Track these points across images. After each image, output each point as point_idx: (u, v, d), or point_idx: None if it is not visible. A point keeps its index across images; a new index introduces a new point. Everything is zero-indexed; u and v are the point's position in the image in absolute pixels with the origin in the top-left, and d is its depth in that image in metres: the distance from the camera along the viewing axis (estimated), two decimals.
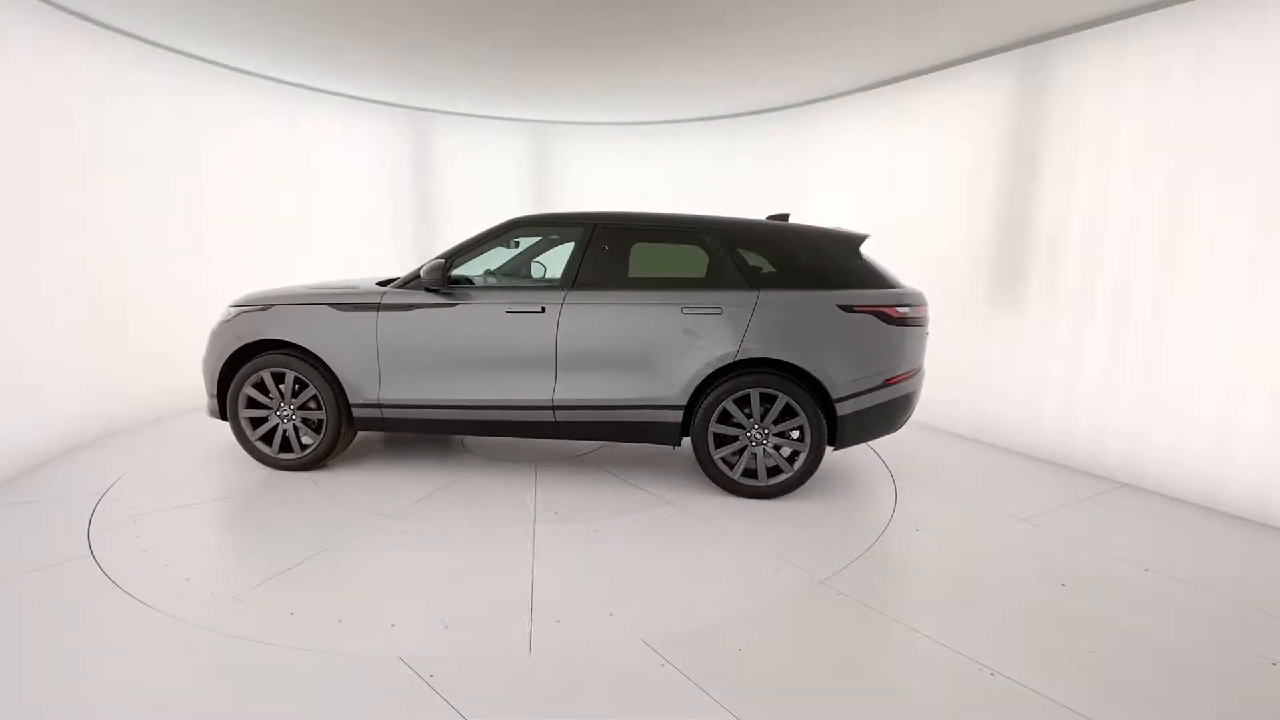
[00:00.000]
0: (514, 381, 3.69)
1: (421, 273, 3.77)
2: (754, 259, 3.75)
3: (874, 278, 3.71)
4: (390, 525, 3.25)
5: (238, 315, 3.90)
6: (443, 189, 7.25)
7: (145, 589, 2.62)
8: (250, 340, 3.82)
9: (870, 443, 4.78)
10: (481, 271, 4.27)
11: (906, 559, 3.04)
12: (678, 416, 3.65)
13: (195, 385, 5.18)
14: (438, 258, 3.78)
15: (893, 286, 3.72)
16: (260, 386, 3.86)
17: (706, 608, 2.58)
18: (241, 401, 3.87)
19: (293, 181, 6.13)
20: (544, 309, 3.65)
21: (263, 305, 3.88)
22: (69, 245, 4.26)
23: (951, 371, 5.16)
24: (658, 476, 4.00)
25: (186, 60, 5.12)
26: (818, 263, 3.71)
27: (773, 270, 3.73)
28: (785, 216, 4.07)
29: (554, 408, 3.68)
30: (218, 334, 3.94)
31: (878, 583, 2.80)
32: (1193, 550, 3.19)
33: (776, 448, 3.66)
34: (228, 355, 3.87)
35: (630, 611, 2.54)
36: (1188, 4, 3.67)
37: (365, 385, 3.77)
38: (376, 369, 3.76)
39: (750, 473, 3.67)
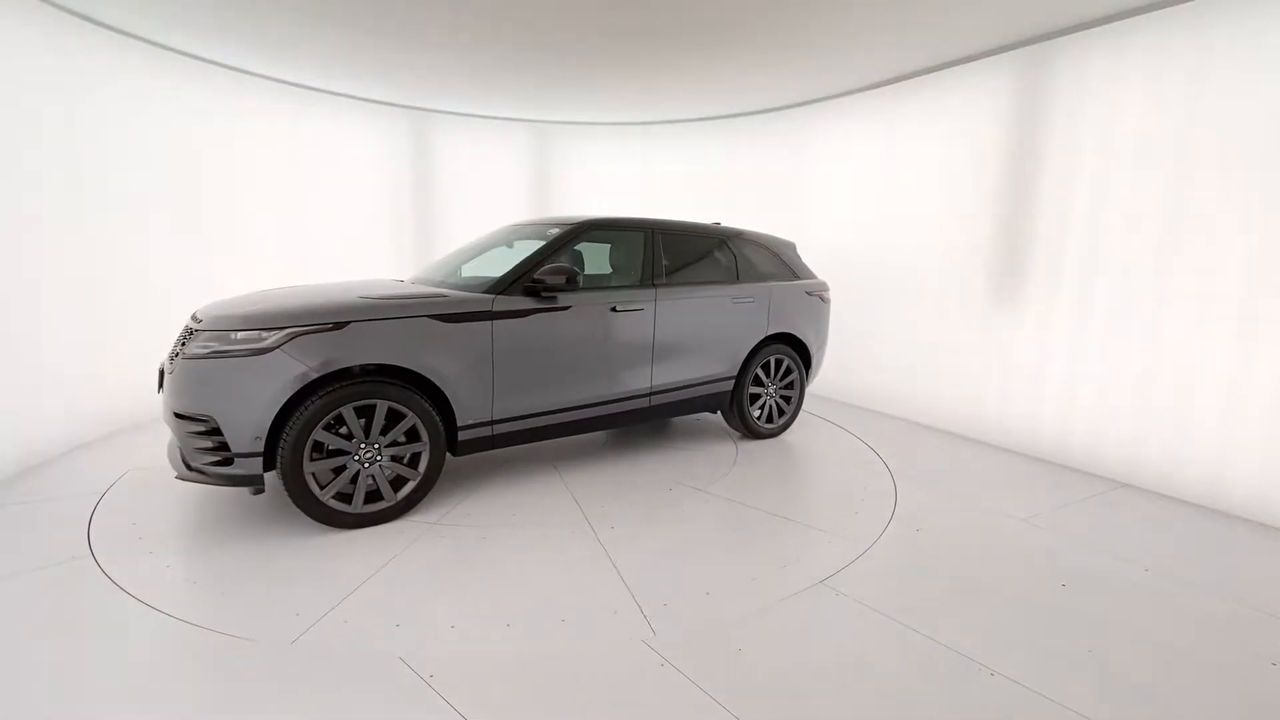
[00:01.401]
0: (619, 376, 3.98)
1: (542, 277, 3.56)
2: (755, 258, 4.80)
3: (806, 271, 5.14)
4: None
5: (286, 340, 2.92)
6: (442, 189, 7.24)
7: (145, 589, 2.61)
8: (333, 369, 3.00)
9: (870, 443, 4.80)
10: (477, 274, 4.21)
11: (906, 559, 3.04)
12: (730, 386, 4.56)
13: None
14: (547, 263, 3.68)
15: (815, 277, 5.16)
16: (330, 426, 3.04)
17: (707, 608, 2.58)
18: (307, 451, 2.99)
19: (293, 181, 6.13)
20: (644, 306, 4.03)
21: (332, 324, 3.01)
22: (69, 245, 4.26)
23: (951, 371, 5.17)
24: (674, 465, 4.00)
25: (186, 60, 5.12)
26: (788, 259, 5.04)
27: (769, 267, 4.86)
28: (718, 224, 4.85)
29: (650, 394, 4.14)
30: (250, 368, 2.88)
31: (878, 583, 2.80)
32: (1192, 550, 3.19)
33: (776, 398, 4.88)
34: (290, 395, 2.92)
35: (629, 612, 2.54)
36: (1188, 4, 3.68)
37: (478, 404, 3.42)
38: (490, 384, 3.45)
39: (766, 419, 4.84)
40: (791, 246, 5.18)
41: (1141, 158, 3.91)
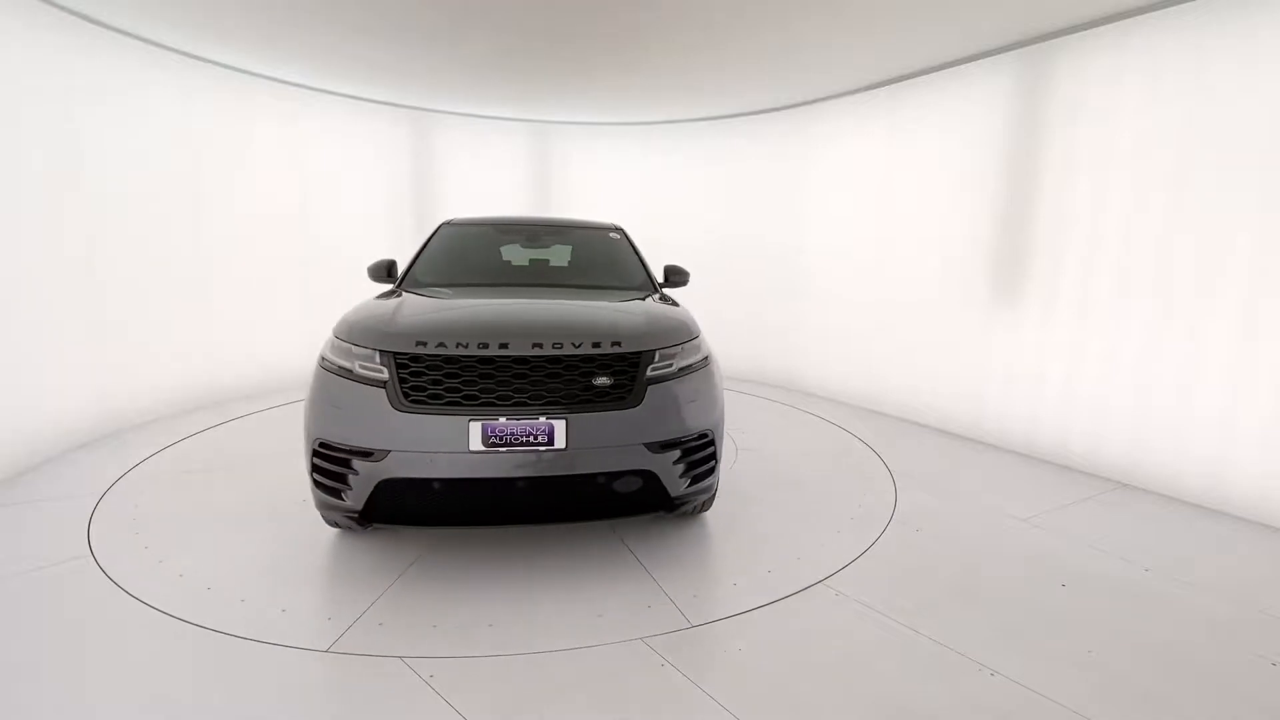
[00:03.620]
0: None
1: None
2: None
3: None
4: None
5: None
6: (443, 189, 7.25)
7: (145, 588, 2.62)
8: None
9: (870, 443, 4.80)
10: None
11: (906, 559, 3.04)
12: None
13: (195, 384, 5.21)
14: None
15: None
16: None
17: (707, 608, 2.58)
18: None
19: (293, 181, 6.13)
20: None
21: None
22: (69, 245, 4.26)
23: (951, 371, 5.16)
24: None
25: (186, 60, 5.13)
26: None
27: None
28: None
29: None
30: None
31: (878, 583, 2.80)
32: (1192, 551, 3.19)
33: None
34: None
35: (629, 611, 2.54)
36: (1188, 4, 3.67)
37: None
38: None
39: None
40: None
41: (1141, 158, 3.91)
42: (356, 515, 2.55)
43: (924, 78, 5.25)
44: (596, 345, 2.65)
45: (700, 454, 2.78)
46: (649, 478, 2.64)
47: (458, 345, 2.55)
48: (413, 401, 2.50)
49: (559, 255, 4.30)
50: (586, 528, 3.27)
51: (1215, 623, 2.55)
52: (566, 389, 2.57)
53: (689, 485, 2.75)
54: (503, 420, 2.46)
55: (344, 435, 2.50)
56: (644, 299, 3.49)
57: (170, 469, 3.99)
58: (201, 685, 2.09)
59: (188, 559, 2.89)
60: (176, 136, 5.09)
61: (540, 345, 2.58)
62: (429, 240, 4.11)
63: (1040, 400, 4.53)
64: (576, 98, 6.33)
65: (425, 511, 2.60)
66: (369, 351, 2.60)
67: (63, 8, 4.16)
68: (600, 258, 4.20)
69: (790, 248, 6.72)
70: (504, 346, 2.56)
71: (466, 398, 2.51)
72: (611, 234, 4.41)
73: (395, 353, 2.57)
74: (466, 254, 4.09)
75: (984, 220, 4.86)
